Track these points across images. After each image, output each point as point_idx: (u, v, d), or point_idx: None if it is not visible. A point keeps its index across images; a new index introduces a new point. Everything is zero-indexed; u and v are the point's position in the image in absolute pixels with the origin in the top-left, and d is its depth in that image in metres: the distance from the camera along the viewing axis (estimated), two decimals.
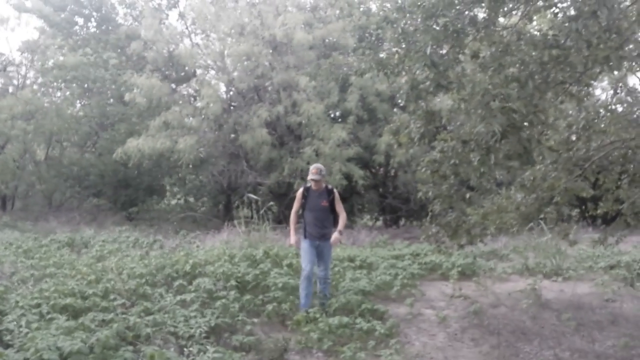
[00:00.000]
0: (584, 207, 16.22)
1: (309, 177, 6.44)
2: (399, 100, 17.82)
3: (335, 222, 6.53)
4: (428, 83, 4.33)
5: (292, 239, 6.55)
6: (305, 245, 6.43)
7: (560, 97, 4.95)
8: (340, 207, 6.54)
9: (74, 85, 20.29)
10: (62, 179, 19.46)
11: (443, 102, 8.36)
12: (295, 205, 6.58)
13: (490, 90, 3.87)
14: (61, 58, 19.43)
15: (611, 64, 3.62)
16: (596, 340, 5.74)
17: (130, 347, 4.32)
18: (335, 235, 6.39)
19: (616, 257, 9.75)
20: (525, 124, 4.12)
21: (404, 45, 4.29)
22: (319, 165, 6.61)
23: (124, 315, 5.21)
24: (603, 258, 9.87)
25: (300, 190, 6.57)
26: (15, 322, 4.64)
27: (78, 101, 21.74)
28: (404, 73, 4.61)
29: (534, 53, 3.77)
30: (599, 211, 7.71)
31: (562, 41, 3.70)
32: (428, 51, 3.97)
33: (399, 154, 14.74)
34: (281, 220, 14.56)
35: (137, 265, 7.39)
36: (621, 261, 9.03)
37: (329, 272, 6.68)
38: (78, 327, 4.57)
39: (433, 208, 5.86)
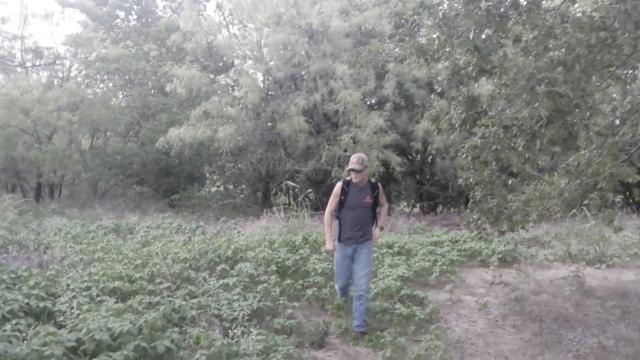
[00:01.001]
0: (628, 193, 15.74)
1: (349, 166, 5.42)
2: (436, 87, 17.64)
3: (374, 220, 5.71)
4: (470, 68, 4.28)
5: (330, 244, 5.57)
6: (338, 256, 5.55)
7: (606, 80, 4.81)
8: (383, 199, 5.68)
9: (116, 77, 20.84)
10: (106, 167, 20.05)
11: (483, 87, 8.24)
12: (332, 202, 5.56)
13: (535, 74, 3.80)
14: (103, 51, 19.95)
15: None
16: None
17: (177, 329, 4.46)
18: (376, 232, 5.62)
19: None
20: (572, 108, 4.03)
21: (445, 31, 4.24)
22: (360, 154, 5.57)
23: (169, 298, 5.38)
24: None
25: (339, 184, 5.52)
26: (67, 304, 4.84)
27: (120, 92, 22.33)
28: (444, 59, 4.57)
29: (580, 36, 3.67)
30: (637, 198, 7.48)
31: (610, 23, 3.60)
32: (471, 36, 3.92)
33: (436, 140, 14.60)
34: (318, 207, 14.64)
35: (180, 250, 7.60)
36: None
37: (369, 283, 5.58)
38: (126, 309, 4.75)
39: (474, 194, 5.81)
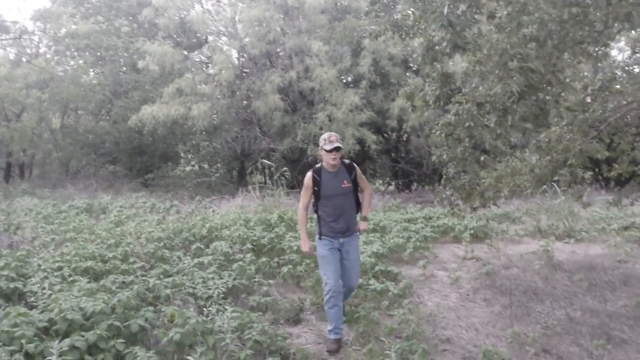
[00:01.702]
0: (597, 169, 16.12)
1: (327, 146, 4.59)
2: (412, 64, 17.64)
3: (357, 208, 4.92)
4: (445, 44, 4.28)
5: (306, 244, 4.88)
6: (324, 250, 4.73)
7: (578, 57, 4.87)
8: (364, 182, 4.90)
9: (87, 53, 20.31)
10: (77, 146, 19.68)
11: (457, 64, 8.27)
12: (304, 196, 4.81)
13: (508, 50, 3.82)
14: (73, 26, 19.41)
15: (633, 21, 3.55)
16: (608, 300, 5.81)
17: (151, 308, 4.44)
18: (361, 224, 4.89)
19: (629, 218, 9.77)
20: (543, 84, 4.08)
21: (419, 6, 4.23)
22: (333, 133, 4.80)
23: (143, 278, 5.34)
24: (616, 220, 9.89)
25: (309, 175, 4.75)
26: (38, 285, 4.76)
27: (91, 69, 21.79)
28: (419, 35, 4.56)
29: (553, 11, 3.69)
30: (612, 173, 7.68)
31: None
32: (445, 11, 3.91)
33: (412, 118, 14.68)
34: (294, 185, 14.65)
35: (154, 229, 7.54)
36: (635, 222, 9.02)
37: (358, 280, 5.01)
38: (99, 289, 4.70)
39: (447, 171, 5.87)
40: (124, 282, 5.12)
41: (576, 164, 6.65)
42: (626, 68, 7.42)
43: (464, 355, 4.56)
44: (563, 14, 3.62)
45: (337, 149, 4.61)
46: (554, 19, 3.71)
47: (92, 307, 3.99)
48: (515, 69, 3.74)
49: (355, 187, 4.81)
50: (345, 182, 4.72)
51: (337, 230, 4.71)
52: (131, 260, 6.00)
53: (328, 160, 4.64)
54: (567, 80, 4.66)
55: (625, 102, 6.17)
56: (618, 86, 6.62)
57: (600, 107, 6.21)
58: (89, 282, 4.98)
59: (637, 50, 7.51)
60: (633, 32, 6.78)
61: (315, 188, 4.72)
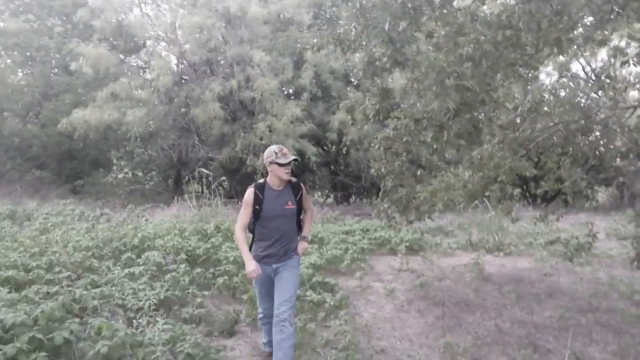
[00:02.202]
0: (525, 186, 16.90)
1: (279, 159, 4.15)
2: (353, 79, 17.93)
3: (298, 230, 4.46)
4: (385, 59, 4.36)
5: (251, 264, 4.14)
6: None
7: (510, 78, 5.10)
8: (308, 203, 4.48)
9: (16, 52, 19.28)
10: (2, 149, 18.57)
11: (396, 81, 8.46)
12: (243, 215, 4.23)
13: (445, 68, 3.94)
14: (1, 24, 18.39)
15: (561, 46, 3.75)
16: (535, 312, 6.05)
17: (77, 320, 4.23)
18: (302, 245, 4.41)
19: (554, 234, 10.27)
20: (478, 103, 4.24)
21: (361, 21, 4.30)
22: (282, 146, 4.33)
23: (69, 288, 5.08)
24: (542, 235, 10.38)
25: (250, 191, 4.23)
26: None
27: (20, 70, 20.69)
28: (360, 49, 4.62)
29: (488, 33, 3.85)
30: (539, 190, 8.05)
31: (515, 22, 3.80)
32: (386, 27, 4.00)
33: (351, 131, 14.86)
34: (232, 195, 14.46)
35: (83, 238, 7.23)
36: (560, 237, 9.49)
37: (292, 309, 4.20)
38: (21, 299, 4.45)
39: (385, 184, 5.96)
40: (48, 292, 4.86)
41: (506, 180, 6.92)
42: (553, 91, 7.82)
43: None
44: (497, 36, 3.78)
45: (287, 162, 4.15)
46: (489, 40, 3.87)
47: (12, 318, 3.76)
48: (451, 86, 3.87)
49: (300, 208, 4.37)
50: (289, 203, 4.25)
51: (272, 255, 4.23)
52: (57, 269, 5.70)
53: (281, 175, 4.18)
54: (500, 99, 4.86)
55: (552, 124, 6.48)
56: (546, 108, 6.98)
57: (529, 127, 6.49)
58: (10, 292, 4.69)
59: (563, 75, 7.95)
60: (561, 57, 7.19)
61: (257, 207, 4.21)
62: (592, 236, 6.04)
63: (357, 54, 5.18)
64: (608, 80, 6.59)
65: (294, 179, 4.35)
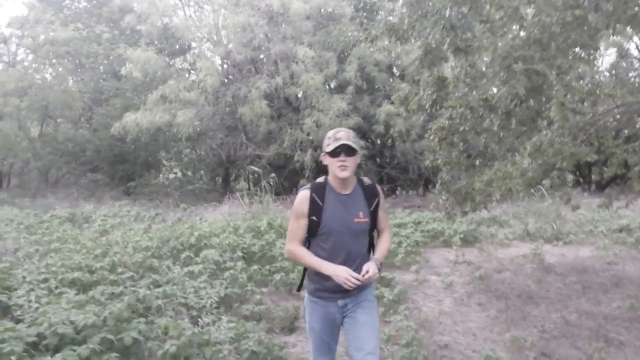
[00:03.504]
0: (578, 172, 16.31)
1: (327, 147, 2.97)
2: (397, 70, 17.70)
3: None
4: (445, 47, 4.23)
5: (335, 267, 2.93)
6: (312, 319, 3.14)
7: (574, 60, 4.87)
8: (386, 221, 3.20)
9: (67, 60, 19.99)
10: (57, 155, 19.31)
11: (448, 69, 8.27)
12: (294, 231, 3.05)
13: (511, 52, 3.79)
14: (52, 33, 19.08)
15: (638, 23, 3.53)
16: (602, 302, 5.82)
17: (143, 319, 4.32)
18: (371, 267, 2.93)
19: (615, 221, 9.85)
20: (546, 86, 4.06)
21: (416, 8, 4.18)
22: (344, 130, 3.05)
23: (133, 288, 5.19)
24: (602, 222, 9.97)
25: (304, 194, 3.03)
26: (24, 298, 4.60)
27: (71, 77, 21.45)
28: (414, 38, 4.51)
29: (554, 14, 3.67)
30: (596, 177, 7.75)
31: (582, 1, 3.62)
32: (447, 13, 3.87)
33: (398, 123, 14.69)
34: (280, 192, 14.54)
35: (141, 238, 7.37)
36: (628, 225, 9.12)
37: (377, 350, 3.01)
38: (89, 300, 4.56)
39: (442, 176, 5.83)
40: (113, 293, 4.96)
41: (566, 167, 6.68)
42: (613, 72, 7.49)
43: None
44: (566, 17, 3.60)
45: (347, 150, 2.91)
46: (557, 21, 3.69)
47: (82, 320, 3.85)
48: (520, 71, 3.71)
49: (373, 224, 3.09)
50: (360, 214, 2.99)
51: (336, 288, 2.95)
52: (119, 270, 5.83)
53: (334, 171, 2.96)
54: (572, 82, 4.65)
55: (614, 106, 6.19)
56: (606, 90, 6.67)
57: (590, 110, 6.23)
58: (77, 293, 4.83)
59: (623, 55, 7.59)
60: (619, 36, 6.87)
61: (314, 217, 2.97)
62: None
63: (409, 44, 5.04)
64: None
65: (367, 180, 3.14)
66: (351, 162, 2.95)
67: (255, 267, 6.34)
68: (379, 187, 3.16)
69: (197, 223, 9.15)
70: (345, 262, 2.95)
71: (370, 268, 2.92)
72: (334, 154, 2.94)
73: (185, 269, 6.00)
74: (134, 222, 10.33)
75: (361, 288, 2.99)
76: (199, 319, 4.49)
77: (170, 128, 15.81)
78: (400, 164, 17.77)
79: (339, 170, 2.94)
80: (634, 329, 5.14)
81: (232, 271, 5.97)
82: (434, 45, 4.33)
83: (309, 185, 3.08)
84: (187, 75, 17.89)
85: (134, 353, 3.88)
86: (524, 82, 3.70)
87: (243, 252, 6.84)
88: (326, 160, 3.02)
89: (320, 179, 3.10)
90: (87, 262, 5.97)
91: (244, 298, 5.60)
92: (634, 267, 7.20)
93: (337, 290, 2.96)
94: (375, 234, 3.19)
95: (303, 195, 3.03)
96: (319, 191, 3.01)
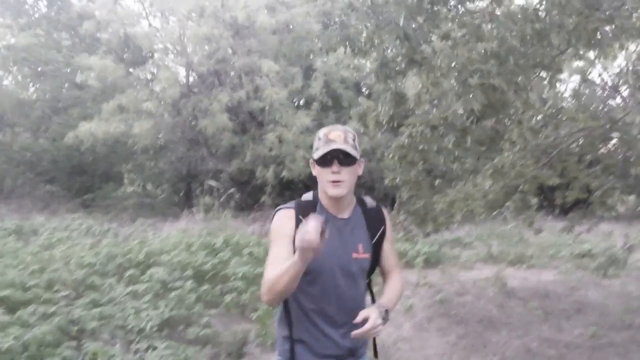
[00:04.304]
0: (542, 196, 16.44)
1: (315, 152, 2.13)
2: (364, 88, 17.65)
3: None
4: (400, 59, 4.05)
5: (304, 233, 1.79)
6: None
7: (533, 79, 4.76)
8: (395, 258, 2.32)
9: (26, 68, 19.27)
10: (12, 164, 18.49)
11: (410, 87, 8.15)
12: (276, 257, 2.06)
13: (467, 66, 3.62)
14: (11, 39, 18.40)
15: (597, 39, 3.41)
16: (564, 329, 5.66)
17: (73, 343, 3.94)
18: (373, 315, 1.93)
19: (578, 245, 9.84)
20: (505, 103, 3.90)
21: (373, 20, 3.98)
22: (340, 128, 2.18)
23: (68, 308, 4.79)
24: (565, 246, 9.94)
25: (286, 214, 2.16)
26: None
27: (31, 84, 20.68)
28: (372, 51, 4.31)
29: (514, 27, 3.53)
30: (559, 200, 7.70)
31: (543, 15, 3.49)
32: (401, 22, 3.68)
33: (363, 142, 14.54)
34: (243, 207, 14.16)
35: (86, 254, 6.93)
36: (591, 250, 9.11)
37: None
38: (14, 321, 4.16)
39: (401, 195, 5.63)
40: (44, 313, 4.56)
41: (528, 190, 6.60)
42: (575, 96, 7.48)
43: None
44: (525, 30, 3.46)
45: (343, 157, 2.09)
46: (516, 35, 3.55)
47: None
48: (476, 85, 3.54)
49: (375, 261, 2.24)
50: (360, 247, 2.17)
51: (328, 348, 2.15)
52: (56, 288, 5.40)
53: (325, 187, 2.14)
54: (531, 100, 4.52)
55: (576, 130, 6.13)
56: (566, 115, 6.63)
57: (552, 133, 6.15)
58: (4, 313, 4.41)
59: (585, 79, 7.61)
60: (584, 59, 6.85)
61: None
62: (628, 248, 5.65)
63: (369, 61, 4.86)
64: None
65: (370, 201, 2.29)
66: (348, 174, 2.08)
67: (206, 287, 5.98)
68: (385, 212, 2.29)
69: (149, 239, 8.72)
70: (337, 314, 2.11)
71: (371, 314, 1.92)
72: (324, 161, 2.07)
73: (129, 288, 5.59)
74: (84, 237, 9.81)
75: (352, 350, 2.15)
76: (133, 344, 4.12)
77: (128, 139, 15.31)
78: (366, 182, 17.61)
79: (331, 186, 2.08)
80: (595, 357, 4.98)
81: (179, 291, 5.60)
82: (389, 57, 4.13)
83: (291, 204, 2.17)
84: (147, 86, 17.43)
85: None
86: (479, 97, 3.52)
87: (194, 271, 6.46)
88: (315, 171, 2.15)
89: (308, 195, 2.21)
90: (21, 278, 5.52)
91: (190, 320, 5.23)
92: (596, 293, 7.11)
93: (329, 356, 2.13)
94: (372, 278, 2.30)
95: (284, 215, 2.13)
96: (306, 212, 1.98)
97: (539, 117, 6.73)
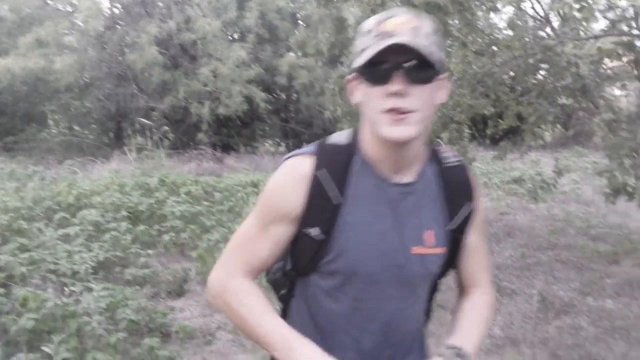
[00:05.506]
0: (474, 127, 16.90)
1: (360, 56, 1.10)
2: (300, 20, 17.13)
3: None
4: None
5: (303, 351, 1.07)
6: None
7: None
8: (485, 262, 1.40)
9: None
10: None
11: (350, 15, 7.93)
12: (246, 240, 1.24)
13: None
14: None
15: None
16: (495, 252, 5.92)
17: (1, 290, 3.74)
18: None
19: (508, 173, 10.26)
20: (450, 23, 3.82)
21: None
22: (405, 14, 1.09)
23: None
24: (496, 174, 10.34)
25: (299, 168, 1.19)
26: None
27: None
28: None
29: None
30: (488, 131, 7.92)
31: None
32: None
33: (302, 75, 14.26)
34: (178, 146, 13.72)
35: (11, 198, 6.54)
36: (521, 176, 9.50)
37: None
38: None
39: (341, 127, 5.56)
40: None
41: (463, 120, 6.70)
42: (510, 25, 7.50)
43: None
44: None
45: (413, 68, 1.07)
46: None
47: None
48: (420, 5, 3.43)
49: (453, 260, 1.32)
50: (429, 235, 1.23)
51: None
52: None
53: (376, 122, 1.12)
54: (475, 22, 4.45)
55: (513, 57, 6.17)
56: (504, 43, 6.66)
57: (489, 62, 6.18)
58: None
59: (521, 7, 7.62)
60: None
61: (315, 231, 1.18)
62: (557, 173, 5.89)
63: None
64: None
65: (451, 155, 1.30)
66: (421, 99, 1.10)
67: (142, 227, 5.80)
68: (471, 178, 1.30)
69: (79, 181, 8.32)
70: (376, 348, 1.26)
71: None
72: (375, 73, 1.10)
73: (60, 232, 5.34)
74: (7, 181, 9.23)
75: None
76: (65, 289, 3.95)
77: (49, 76, 14.28)
78: (305, 118, 17.46)
79: (388, 120, 1.10)
80: (524, 277, 5.25)
81: (114, 233, 5.40)
82: None
83: (312, 149, 1.24)
84: (67, 18, 16.15)
85: None
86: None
87: (129, 212, 6.25)
88: (356, 95, 1.19)
89: (339, 137, 1.26)
90: None
91: (127, 262, 5.09)
92: (524, 217, 7.47)
93: None
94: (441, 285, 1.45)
95: (296, 170, 1.23)
96: (338, 167, 1.20)
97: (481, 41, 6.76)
